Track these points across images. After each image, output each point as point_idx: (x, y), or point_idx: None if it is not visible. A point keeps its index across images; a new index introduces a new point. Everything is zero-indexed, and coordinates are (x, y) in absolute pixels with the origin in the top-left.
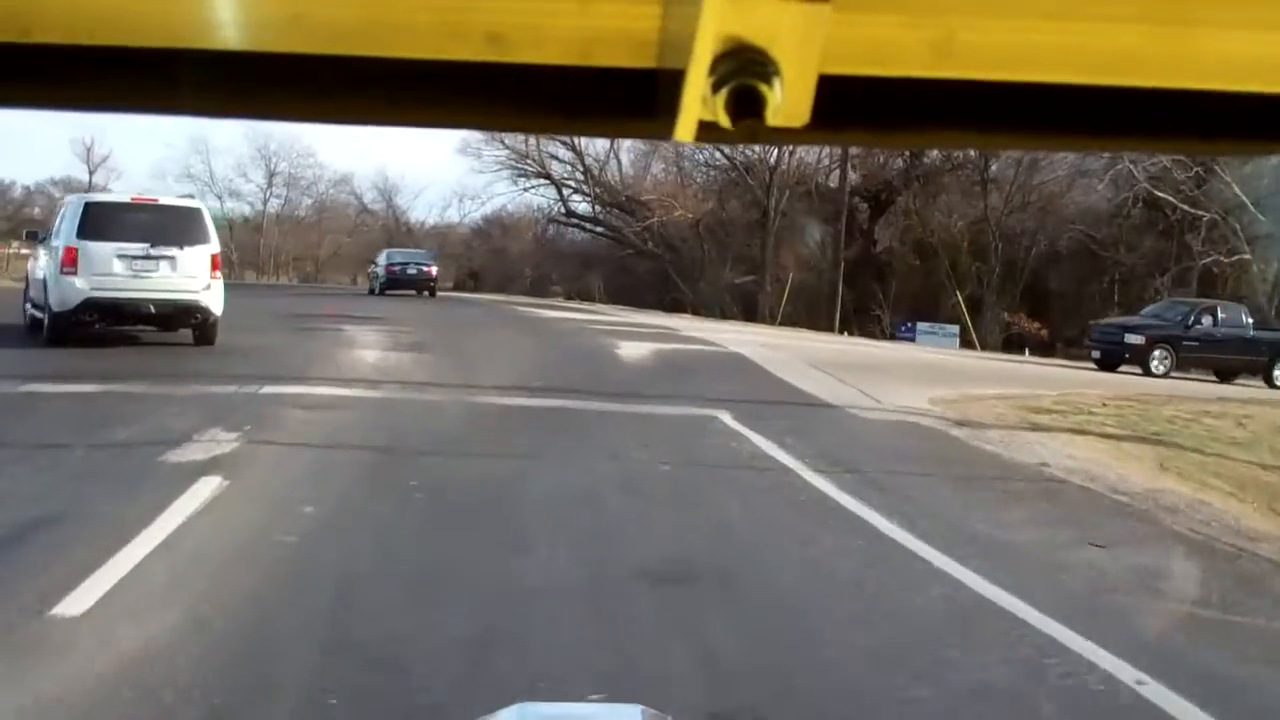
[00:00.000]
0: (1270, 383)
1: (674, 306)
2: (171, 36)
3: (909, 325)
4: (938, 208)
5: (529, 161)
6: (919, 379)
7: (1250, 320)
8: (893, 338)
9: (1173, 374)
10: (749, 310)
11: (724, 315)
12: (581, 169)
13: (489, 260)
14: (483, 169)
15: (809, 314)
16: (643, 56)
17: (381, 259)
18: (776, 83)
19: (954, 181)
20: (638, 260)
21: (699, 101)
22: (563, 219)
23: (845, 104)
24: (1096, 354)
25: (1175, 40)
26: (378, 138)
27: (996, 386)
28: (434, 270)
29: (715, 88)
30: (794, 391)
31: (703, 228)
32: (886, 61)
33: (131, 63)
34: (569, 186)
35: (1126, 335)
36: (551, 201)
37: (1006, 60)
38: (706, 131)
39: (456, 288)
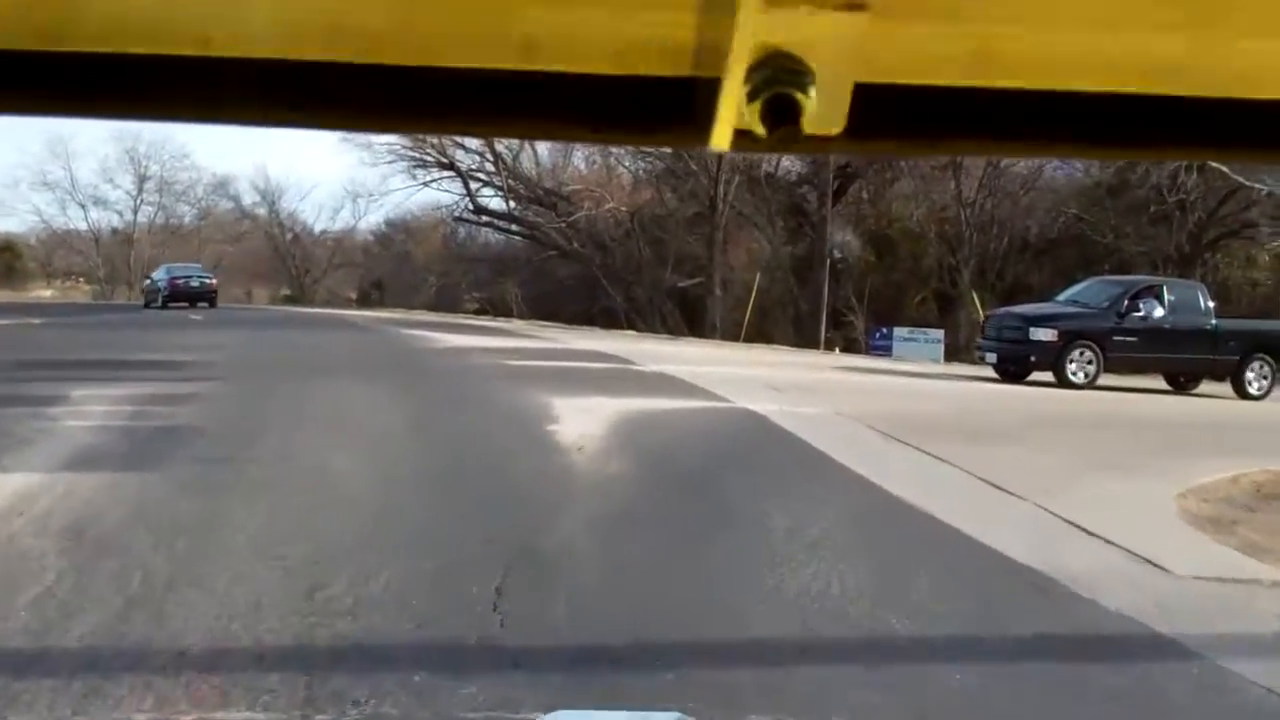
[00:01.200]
0: (1242, 391)
1: (606, 319)
2: (204, 46)
3: (884, 331)
4: (896, 194)
5: (429, 150)
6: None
7: (1212, 305)
8: (868, 350)
9: (1098, 382)
10: (693, 319)
11: (666, 326)
12: (492, 157)
13: (394, 268)
14: (374, 161)
15: (765, 320)
16: (678, 65)
17: (161, 274)
18: (812, 91)
19: (913, 164)
20: (561, 263)
21: (734, 110)
22: (471, 217)
23: (881, 113)
24: (991, 357)
25: (1216, 48)
26: (255, 132)
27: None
28: (214, 283)
29: (751, 96)
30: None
31: (637, 223)
32: (922, 71)
33: (165, 72)
34: (478, 179)
35: (1032, 330)
36: (458, 197)
37: (1043, 69)
38: (741, 140)
39: (360, 301)
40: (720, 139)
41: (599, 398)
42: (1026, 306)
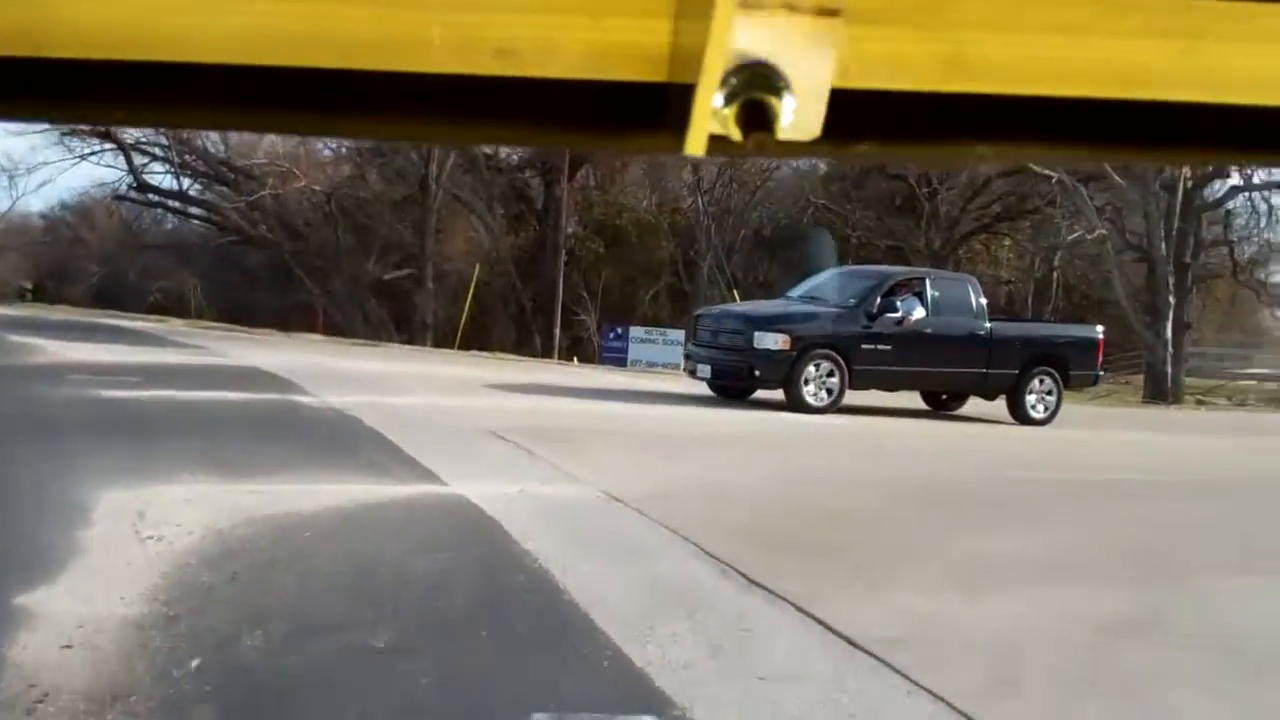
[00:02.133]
0: (1020, 412)
1: (302, 317)
2: (181, 51)
3: (618, 331)
4: (628, 181)
5: None
6: None
7: (984, 303)
8: (601, 354)
9: (843, 402)
10: (403, 315)
11: (369, 325)
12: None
13: (64, 259)
14: (19, 130)
15: (485, 317)
16: (653, 70)
17: None
18: (787, 96)
19: None
20: (248, 251)
21: (709, 115)
22: (136, 196)
23: (856, 118)
24: (704, 370)
25: (1184, 54)
26: None
27: None
28: None
29: (726, 101)
30: None
31: (335, 204)
32: (898, 76)
33: (143, 77)
34: (146, 152)
35: (757, 335)
36: (122, 173)
37: (1017, 74)
38: (717, 145)
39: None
40: (696, 144)
41: (205, 483)
42: (750, 305)
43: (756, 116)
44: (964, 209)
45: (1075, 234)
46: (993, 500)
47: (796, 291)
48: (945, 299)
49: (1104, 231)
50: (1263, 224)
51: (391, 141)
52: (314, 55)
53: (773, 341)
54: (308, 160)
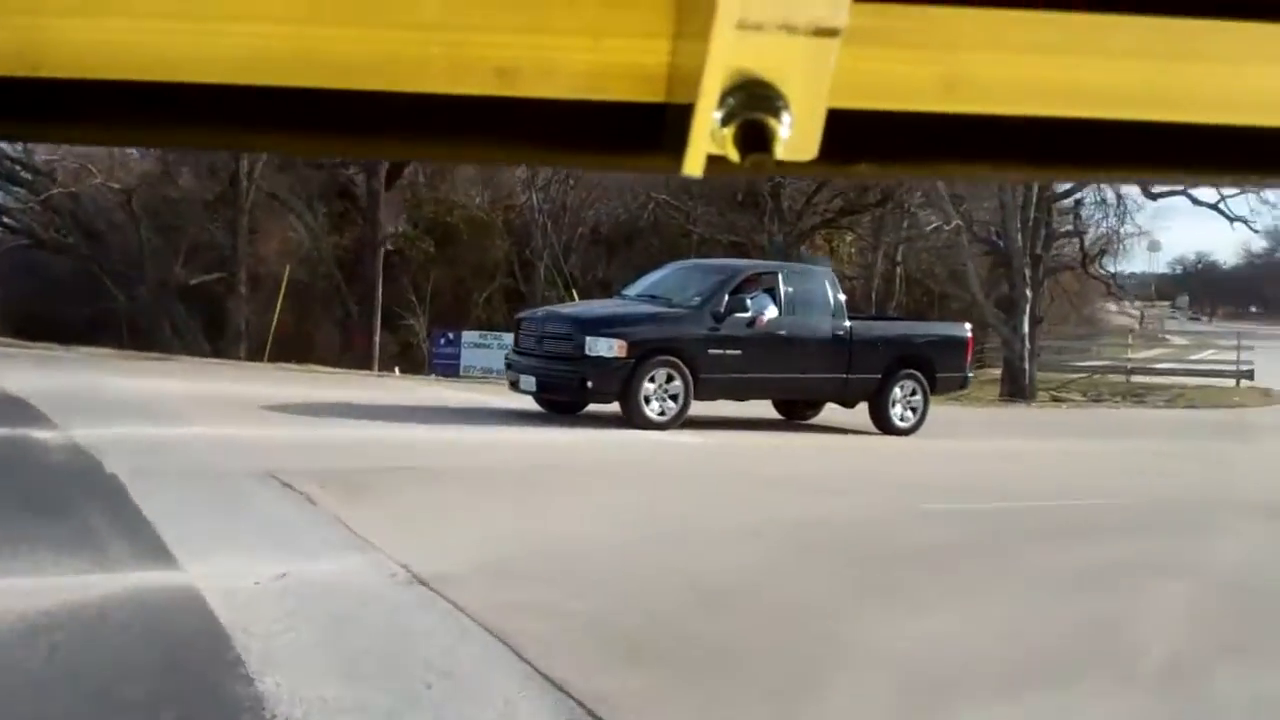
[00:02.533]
0: (884, 421)
1: (106, 328)
2: (180, 71)
3: (449, 337)
4: (459, 177)
5: None
6: None
7: (842, 299)
8: (432, 361)
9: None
10: (218, 323)
11: (178, 335)
12: None
13: None
14: None
15: (305, 323)
16: (652, 91)
17: None
18: (785, 117)
19: None
20: (51, 258)
21: (707, 135)
22: None
23: (854, 137)
24: (528, 382)
25: (1179, 75)
26: None
27: None
28: None
29: (724, 122)
30: None
31: (138, 204)
32: (895, 96)
33: (140, 97)
34: None
35: (589, 341)
36: None
37: (1014, 95)
38: (715, 165)
39: None
40: (693, 164)
41: None
42: (580, 306)
43: (754, 137)
44: (808, 203)
45: (933, 225)
46: (919, 552)
47: (633, 290)
48: (800, 295)
49: (960, 222)
50: (1111, 215)
51: (391, 160)
52: (312, 75)
53: (606, 347)
54: (110, 156)
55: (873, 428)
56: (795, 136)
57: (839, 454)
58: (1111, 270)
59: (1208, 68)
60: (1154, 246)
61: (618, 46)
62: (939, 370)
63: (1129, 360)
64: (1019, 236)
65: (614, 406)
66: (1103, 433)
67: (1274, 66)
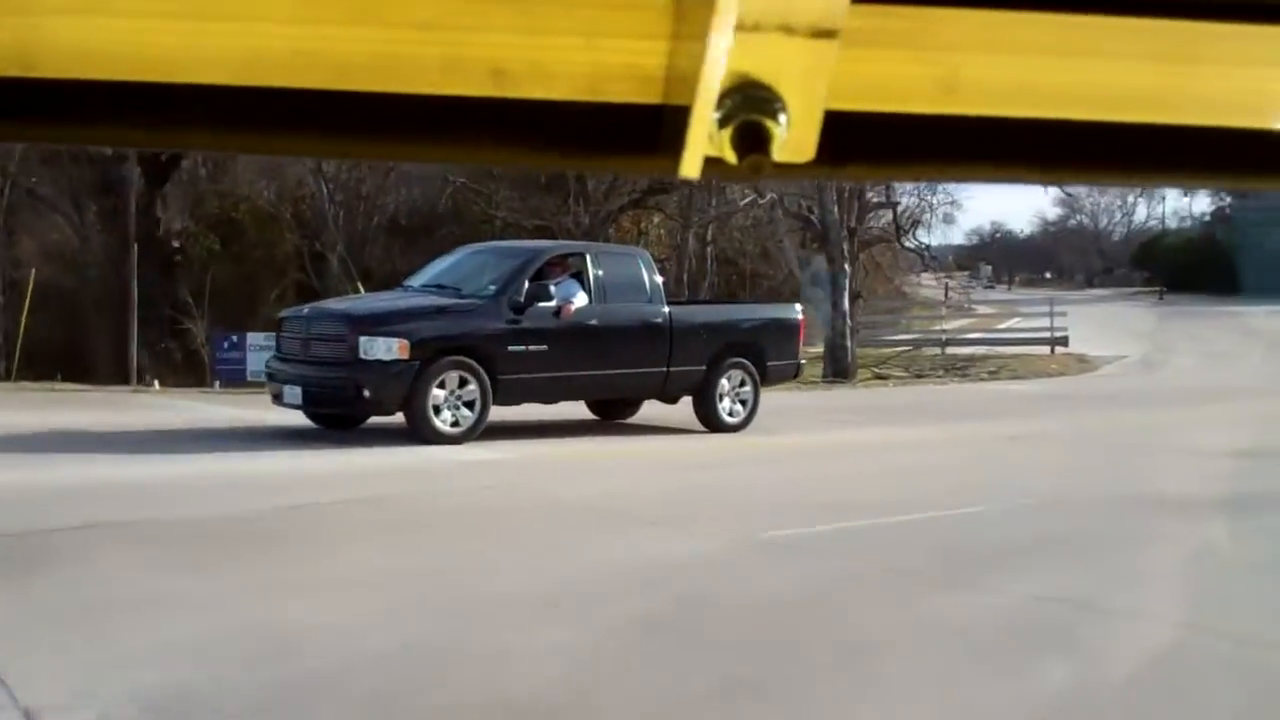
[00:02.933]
0: (712, 418)
1: None
2: (175, 72)
3: (233, 340)
4: (244, 169)
5: None
6: None
7: (659, 281)
8: (214, 368)
9: (486, 425)
10: None
11: None
12: None
13: None
14: None
15: (73, 334)
16: (649, 92)
17: None
18: (783, 119)
19: None
20: None
21: (705, 137)
22: None
23: (851, 139)
24: (292, 393)
25: (1180, 77)
26: None
27: None
28: None
29: (721, 124)
30: None
31: None
32: (893, 98)
33: (135, 98)
34: None
35: (364, 341)
36: None
37: (1012, 97)
38: (712, 167)
39: None
40: (690, 166)
41: None
42: (352, 301)
43: (752, 139)
44: (613, 184)
45: (747, 199)
46: (770, 621)
47: (419, 279)
48: (612, 280)
49: (775, 196)
50: (921, 185)
51: (385, 161)
52: (308, 76)
53: (385, 349)
54: None
55: (699, 425)
56: (793, 138)
57: (663, 463)
58: (927, 247)
59: (1206, 70)
60: (950, 219)
61: (614, 48)
62: (770, 358)
63: (943, 332)
64: (835, 209)
65: (399, 418)
66: (943, 414)
67: (1274, 69)
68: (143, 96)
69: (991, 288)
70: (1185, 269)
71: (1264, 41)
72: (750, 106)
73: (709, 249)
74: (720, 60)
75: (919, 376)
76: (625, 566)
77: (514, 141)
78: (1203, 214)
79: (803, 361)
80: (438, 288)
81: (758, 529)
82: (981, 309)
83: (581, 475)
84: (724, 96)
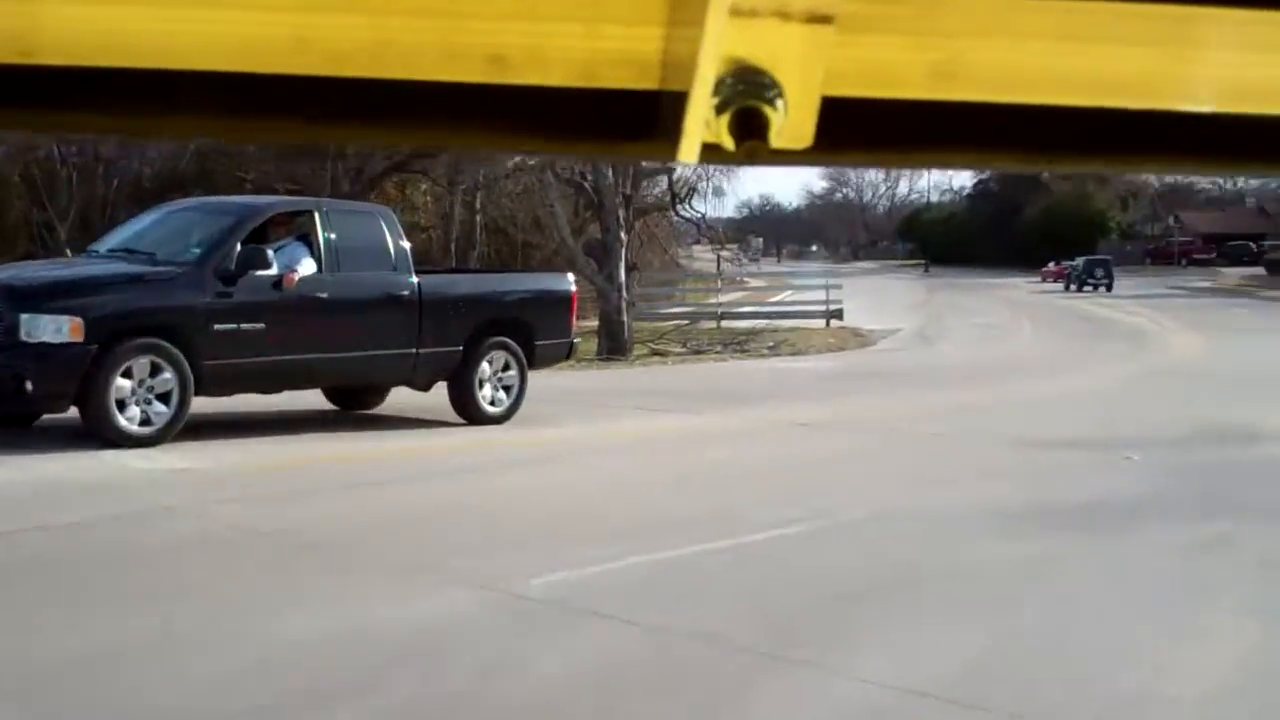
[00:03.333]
0: (470, 408)
1: None
2: (173, 59)
3: None
4: None
5: None
6: None
7: (406, 247)
8: None
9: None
10: None
11: None
12: None
13: None
14: None
15: None
16: (646, 78)
17: None
18: (780, 104)
19: None
20: None
21: (702, 123)
22: None
23: (848, 125)
24: None
25: (1175, 63)
26: None
27: None
28: None
29: (719, 110)
30: None
31: None
32: (889, 84)
33: (133, 85)
34: None
35: (26, 320)
36: None
37: (1008, 82)
38: (709, 153)
39: None
40: (688, 152)
41: None
42: (14, 268)
43: (749, 124)
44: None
45: (515, 159)
46: None
47: (106, 244)
48: (347, 244)
49: (545, 159)
50: None
51: (384, 147)
52: (306, 63)
53: (53, 329)
54: None
55: (455, 416)
56: (790, 124)
57: (405, 471)
58: (703, 215)
59: (1201, 55)
60: (719, 192)
61: (611, 34)
62: (539, 336)
63: (718, 305)
64: (609, 174)
65: (75, 414)
66: (730, 398)
67: (1269, 55)
68: (140, 83)
69: (756, 260)
70: (948, 242)
71: (1258, 27)
72: (747, 92)
73: (478, 217)
74: (717, 46)
75: (698, 353)
76: (303, 652)
77: (511, 127)
78: (963, 188)
79: (577, 340)
80: (126, 253)
81: (523, 571)
82: (754, 282)
83: (296, 491)
84: (721, 82)
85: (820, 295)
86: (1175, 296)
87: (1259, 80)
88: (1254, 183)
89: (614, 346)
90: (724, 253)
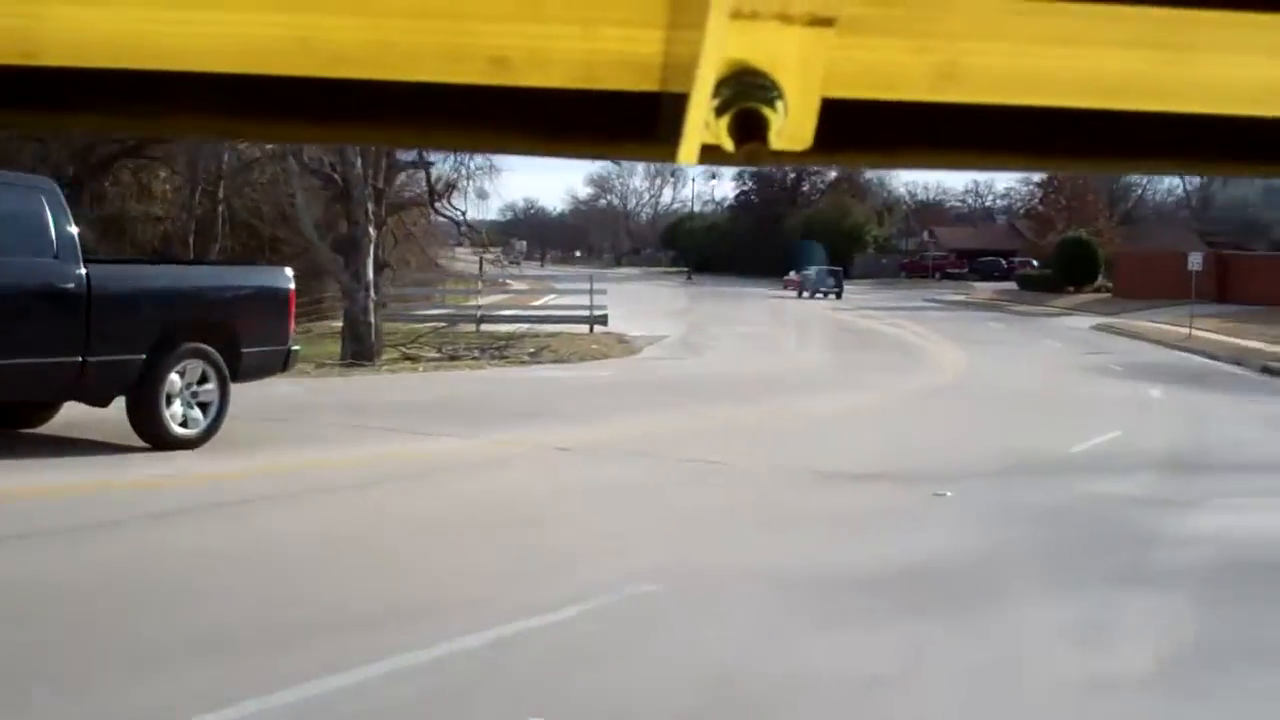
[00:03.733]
0: (154, 430)
1: None
2: (176, 60)
3: None
4: None
5: None
6: None
7: (73, 232)
8: None
9: None
10: None
11: None
12: None
13: None
14: None
15: None
16: (646, 80)
17: None
18: (780, 106)
19: None
20: None
21: (702, 125)
22: None
23: (848, 127)
24: None
25: (1174, 65)
26: None
27: None
28: None
29: (719, 111)
30: None
31: None
32: (889, 85)
33: (136, 86)
34: None
35: None
36: None
37: (1008, 85)
38: (709, 154)
39: None
40: (688, 153)
41: None
42: None
43: (749, 126)
44: None
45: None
46: None
47: None
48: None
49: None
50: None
51: (385, 146)
52: (308, 64)
53: None
54: None
55: (137, 438)
56: (790, 126)
57: (43, 524)
58: (464, 213)
59: (1201, 58)
60: (482, 194)
61: (612, 35)
62: (246, 343)
63: (479, 308)
64: (358, 163)
65: None
66: (482, 413)
67: (1269, 57)
68: (143, 85)
69: (517, 264)
70: (711, 251)
71: (1258, 29)
72: (747, 94)
73: (220, 208)
74: (717, 48)
75: (453, 358)
76: None
77: (512, 129)
78: (725, 199)
79: (295, 348)
80: None
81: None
82: (517, 285)
83: None
84: (721, 84)
85: (584, 300)
86: (932, 309)
87: (1256, 82)
88: (1002, 201)
89: (360, 350)
90: (487, 255)
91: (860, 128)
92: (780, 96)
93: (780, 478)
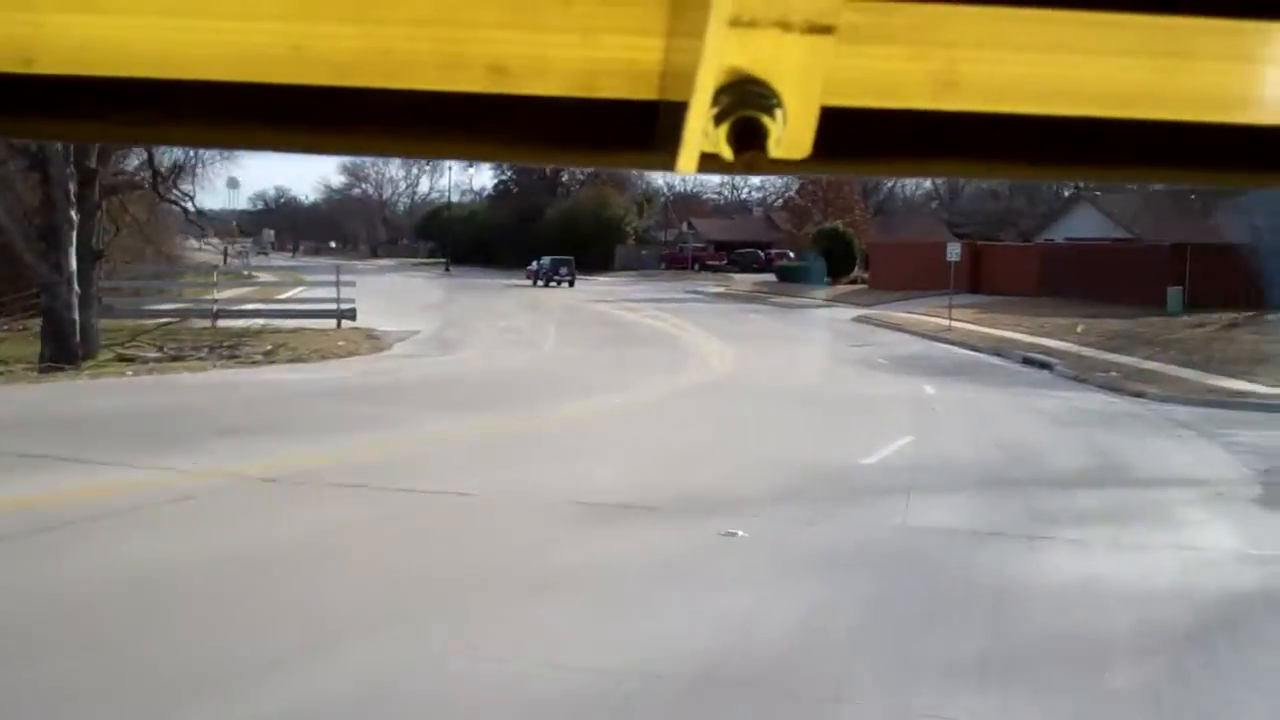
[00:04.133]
0: None
1: None
2: (174, 68)
3: None
4: None
5: None
6: None
7: None
8: None
9: None
10: None
11: None
12: None
13: None
14: None
15: None
16: (645, 88)
17: None
18: (779, 114)
19: None
20: None
21: (701, 133)
22: None
23: (847, 136)
24: None
25: (1173, 74)
26: None
27: None
28: None
29: (717, 120)
30: None
31: None
32: (888, 94)
33: (133, 94)
34: None
35: None
36: None
37: (1008, 93)
38: (708, 162)
39: None
40: (687, 162)
41: None
42: None
43: (748, 134)
44: None
45: None
46: None
47: None
48: None
49: None
50: None
51: (383, 156)
52: (306, 72)
53: None
54: None
55: None
56: (789, 134)
57: None
58: (191, 198)
59: (1199, 66)
60: (233, 184)
61: (610, 44)
62: None
63: (215, 302)
64: (60, 145)
65: None
66: (187, 433)
67: (1269, 66)
68: (142, 93)
69: (265, 254)
70: (469, 242)
71: (1256, 37)
72: (746, 102)
73: None
74: (716, 56)
75: (176, 359)
76: None
77: (511, 137)
78: (484, 189)
79: None
80: None
81: None
82: (263, 276)
83: None
84: (720, 92)
85: (332, 293)
86: (693, 301)
87: (1254, 90)
88: (757, 194)
89: (61, 352)
90: (232, 246)
91: (859, 136)
92: (779, 105)
93: (536, 518)
